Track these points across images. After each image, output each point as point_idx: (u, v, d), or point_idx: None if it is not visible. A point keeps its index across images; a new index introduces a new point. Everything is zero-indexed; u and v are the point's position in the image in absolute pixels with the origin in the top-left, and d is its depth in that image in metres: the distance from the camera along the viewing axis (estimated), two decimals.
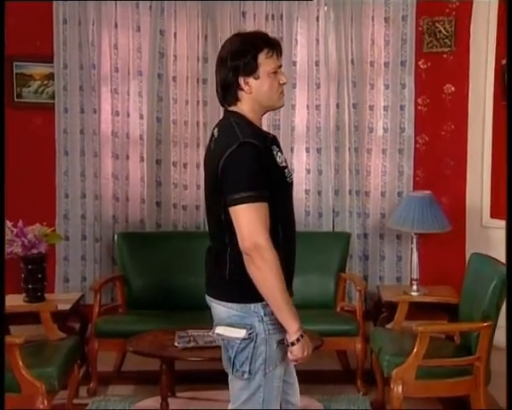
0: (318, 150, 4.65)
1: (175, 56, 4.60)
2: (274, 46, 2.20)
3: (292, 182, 2.25)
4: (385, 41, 4.56)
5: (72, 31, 4.54)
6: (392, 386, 3.19)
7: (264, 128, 4.48)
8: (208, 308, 4.02)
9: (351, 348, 3.90)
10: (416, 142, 4.63)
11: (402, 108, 4.58)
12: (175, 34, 4.58)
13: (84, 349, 3.92)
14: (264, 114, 2.26)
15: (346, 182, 4.67)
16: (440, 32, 4.49)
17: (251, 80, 2.16)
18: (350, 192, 4.67)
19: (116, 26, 4.58)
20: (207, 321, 3.67)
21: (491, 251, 4.25)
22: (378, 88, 4.62)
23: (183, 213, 4.72)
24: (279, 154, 2.21)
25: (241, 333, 2.16)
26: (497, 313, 3.22)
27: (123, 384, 3.95)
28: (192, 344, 3.39)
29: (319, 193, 4.69)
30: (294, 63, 4.58)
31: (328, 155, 4.66)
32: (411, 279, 4.25)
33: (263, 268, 2.07)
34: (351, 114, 4.59)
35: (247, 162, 2.09)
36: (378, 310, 4.22)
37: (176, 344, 3.40)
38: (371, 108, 4.63)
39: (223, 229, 2.17)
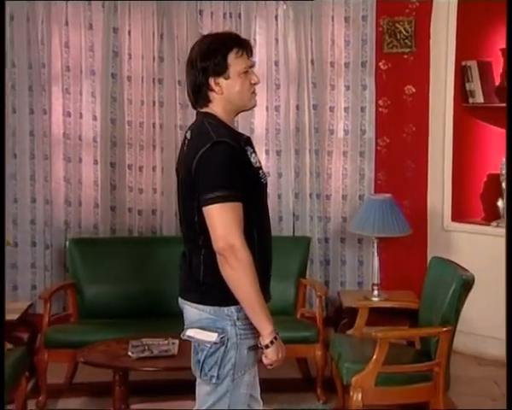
0: (278, 153, 4.69)
1: (129, 55, 4.59)
2: (244, 46, 2.23)
3: (266, 183, 2.28)
4: (345, 41, 4.62)
5: (20, 28, 4.49)
6: (351, 394, 3.23)
7: None
8: (164, 315, 4.09)
9: (311, 356, 3.94)
10: (376, 144, 4.71)
11: (363, 109, 4.66)
12: (129, 32, 4.57)
13: (33, 361, 3.87)
14: (237, 115, 2.29)
15: (306, 185, 4.72)
16: (400, 32, 4.58)
17: (221, 81, 2.19)
18: (310, 196, 4.72)
19: (67, 23, 4.55)
20: (163, 329, 3.75)
21: (452, 255, 4.37)
22: (338, 89, 4.68)
23: (138, 217, 4.71)
24: (253, 154, 2.24)
25: (212, 337, 2.19)
26: (456, 318, 3.30)
27: (74, 397, 3.92)
28: (146, 354, 3.39)
29: (279, 196, 4.73)
30: (253, 64, 4.60)
31: (288, 157, 4.70)
32: (372, 284, 4.32)
33: (237, 268, 2.10)
34: (311, 115, 4.64)
35: (220, 161, 2.12)
36: (339, 316, 4.27)
37: (129, 354, 3.39)
38: (332, 109, 4.69)
39: (196, 231, 2.20)
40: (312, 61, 4.60)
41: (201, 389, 2.27)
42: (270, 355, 2.17)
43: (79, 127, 4.62)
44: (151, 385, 3.84)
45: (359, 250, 4.74)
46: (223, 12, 4.56)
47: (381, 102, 4.68)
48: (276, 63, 4.62)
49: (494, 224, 4.40)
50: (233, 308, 2.18)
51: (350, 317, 4.04)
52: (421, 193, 4.69)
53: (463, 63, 4.43)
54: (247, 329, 2.19)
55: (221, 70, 2.19)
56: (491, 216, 4.50)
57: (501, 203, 4.39)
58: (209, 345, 2.19)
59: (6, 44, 4.45)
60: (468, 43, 4.41)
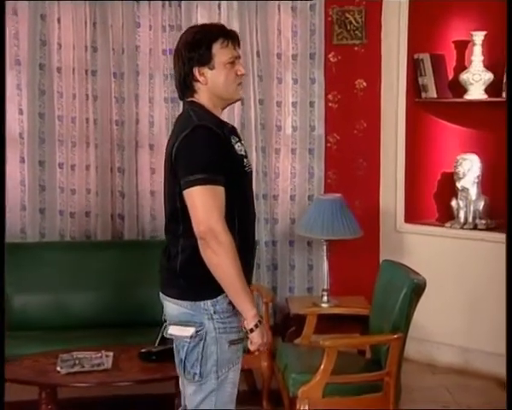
0: None
1: (59, 45, 4.52)
2: (230, 36, 2.35)
3: (251, 171, 2.41)
4: (292, 32, 4.63)
5: None
6: (298, 406, 3.25)
7: (162, 128, 4.59)
8: (98, 326, 4.04)
9: (256, 367, 3.94)
10: (326, 141, 4.74)
11: (311, 104, 4.68)
12: (59, 20, 4.50)
13: None
14: (225, 108, 2.40)
15: (253, 185, 4.71)
16: (351, 22, 4.62)
17: (206, 71, 2.31)
18: (257, 196, 4.70)
19: None
20: (96, 341, 3.70)
21: (405, 257, 4.43)
22: (286, 82, 4.69)
23: (70, 220, 4.64)
24: (238, 143, 2.34)
25: (189, 331, 2.29)
26: (407, 325, 3.34)
27: None
28: (77, 368, 3.34)
29: None
30: None
31: None
32: (322, 290, 4.35)
33: (218, 252, 2.19)
34: (257, 110, 4.64)
35: (201, 144, 2.22)
36: (286, 324, 4.28)
37: (58, 369, 3.33)
38: (279, 104, 4.70)
39: (178, 220, 2.29)
40: (258, 53, 4.61)
41: (187, 389, 2.37)
42: (256, 339, 2.27)
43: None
44: (82, 403, 3.78)
45: (309, 254, 4.77)
46: (162, 2, 4.52)
47: (330, 96, 4.71)
48: None
49: (448, 225, 4.49)
50: (209, 302, 2.28)
51: (298, 325, 4.05)
52: (372, 193, 4.74)
53: (416, 56, 4.50)
54: (226, 323, 2.30)
55: (206, 60, 2.30)
56: (445, 217, 4.58)
57: (454, 203, 4.48)
58: (188, 341, 2.29)
59: None
60: (420, 35, 4.48)
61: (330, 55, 4.67)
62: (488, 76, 4.32)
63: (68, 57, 4.54)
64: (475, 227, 4.40)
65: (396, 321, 3.33)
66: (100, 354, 3.45)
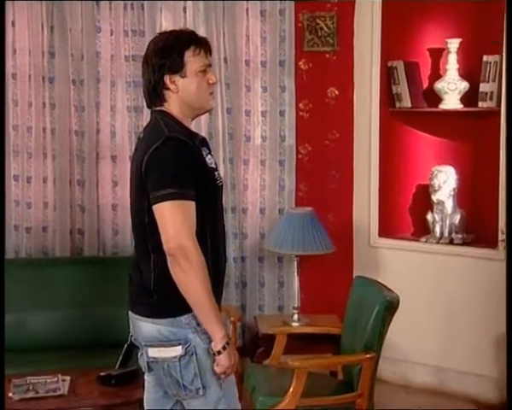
0: None
1: (14, 50, 4.49)
2: (202, 44, 2.40)
3: (222, 185, 2.44)
4: (261, 37, 4.65)
5: None
6: None
7: (125, 139, 4.58)
8: (56, 349, 3.99)
9: None
10: (297, 152, 4.77)
11: (282, 113, 4.71)
12: (13, 23, 4.47)
13: None
14: (195, 118, 2.45)
15: None
16: (322, 29, 4.67)
17: (177, 79, 2.35)
18: (225, 210, 4.67)
19: None
20: (53, 364, 3.67)
21: (379, 273, 4.48)
22: (255, 90, 4.71)
23: (26, 236, 4.60)
24: (209, 155, 2.38)
25: (177, 351, 2.30)
26: (380, 344, 3.37)
27: None
28: (31, 394, 3.31)
29: None
30: None
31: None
32: (292, 308, 4.36)
33: (188, 270, 2.21)
34: (224, 119, 4.65)
35: (172, 158, 2.24)
36: (255, 344, 4.29)
37: (10, 395, 3.30)
38: (247, 113, 4.72)
39: (146, 235, 2.32)
40: (225, 60, 4.62)
41: (192, 405, 2.39)
42: (223, 362, 2.30)
43: None
44: None
45: (279, 270, 4.78)
46: (123, 2, 4.52)
47: (301, 105, 4.75)
48: None
49: (423, 239, 4.54)
50: (190, 315, 2.30)
51: (267, 345, 4.06)
52: (346, 206, 4.78)
53: (389, 64, 4.57)
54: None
55: (177, 68, 2.35)
56: (420, 231, 4.63)
57: (430, 217, 4.53)
58: (177, 359, 2.31)
59: None
60: (394, 42, 4.54)
61: (301, 63, 4.71)
62: (464, 85, 4.39)
63: (24, 63, 4.50)
64: (451, 242, 4.45)
65: (368, 340, 3.36)
66: (56, 379, 3.43)
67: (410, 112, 4.61)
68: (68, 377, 3.44)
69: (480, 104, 4.29)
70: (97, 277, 4.29)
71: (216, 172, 2.39)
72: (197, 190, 2.26)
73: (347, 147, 4.76)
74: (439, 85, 4.43)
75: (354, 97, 4.71)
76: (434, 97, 4.50)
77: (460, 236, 4.45)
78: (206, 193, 2.31)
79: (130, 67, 4.52)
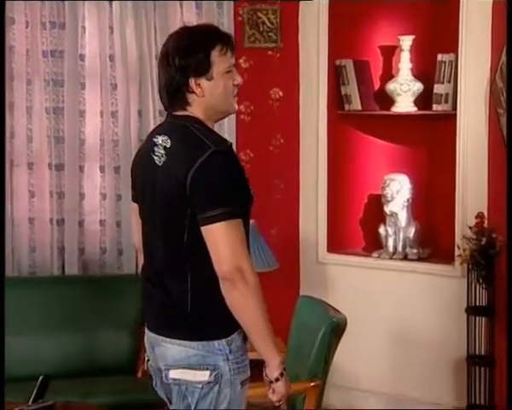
0: (116, 170, 4.66)
1: None
2: (227, 42, 2.42)
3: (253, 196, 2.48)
4: None
5: None
6: None
7: (44, 144, 4.52)
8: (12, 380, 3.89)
9: None
10: (239, 159, 4.76)
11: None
12: None
13: None
14: (217, 121, 2.48)
15: None
16: (264, 23, 4.70)
17: (203, 81, 2.37)
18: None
19: None
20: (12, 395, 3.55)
21: (328, 292, 4.51)
22: None
23: None
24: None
25: (204, 376, 2.35)
26: (325, 370, 3.37)
27: None
28: None
29: (118, 224, 4.70)
30: (82, 57, 4.56)
31: (128, 175, 4.52)
32: None
33: (246, 294, 2.28)
34: (156, 122, 4.57)
35: (221, 174, 2.29)
36: None
37: None
38: None
39: (183, 255, 2.36)
40: (157, 57, 4.59)
41: None
42: (280, 389, 2.40)
43: None
44: None
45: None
46: None
47: (242, 107, 4.74)
48: (112, 58, 4.58)
49: (375, 255, 4.58)
50: (224, 341, 2.37)
51: None
52: (291, 219, 4.80)
53: (337, 62, 4.61)
54: (240, 362, 2.40)
55: (204, 70, 2.36)
56: (372, 245, 4.68)
57: (383, 230, 4.58)
58: (200, 386, 2.35)
59: None
60: (342, 39, 4.59)
61: (241, 60, 4.71)
62: (417, 86, 4.45)
63: None
64: (405, 257, 4.51)
65: (313, 367, 3.36)
66: None
67: (360, 115, 4.67)
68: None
69: (435, 107, 4.36)
70: (10, 299, 4.19)
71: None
72: (244, 204, 2.35)
73: (293, 153, 4.79)
74: (391, 86, 4.49)
75: (300, 99, 4.74)
76: (386, 99, 4.56)
77: (415, 250, 4.50)
78: (246, 207, 2.38)
79: (49, 63, 4.48)
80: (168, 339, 2.41)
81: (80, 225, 4.63)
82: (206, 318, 2.37)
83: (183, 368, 2.38)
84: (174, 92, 2.40)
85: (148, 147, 2.45)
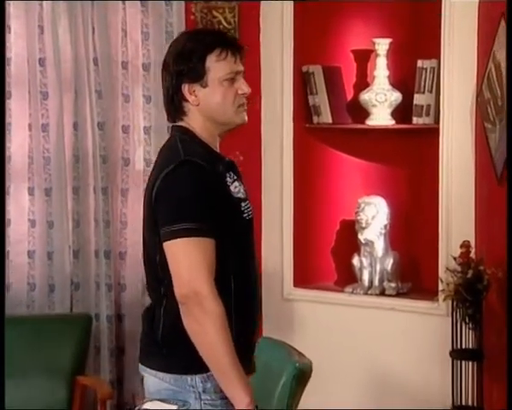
0: (47, 192, 4.67)
1: None
2: (230, 45, 2.47)
3: (252, 218, 2.54)
4: (143, 33, 4.71)
5: None
6: None
7: None
8: None
9: None
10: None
11: (168, 128, 4.70)
12: None
13: None
14: (224, 135, 2.56)
15: (90, 239, 4.73)
16: (220, 23, 4.73)
17: (197, 89, 2.46)
18: (96, 253, 4.71)
19: None
20: None
21: (294, 332, 4.53)
22: (135, 101, 4.76)
23: None
24: (236, 183, 2.49)
25: (170, 407, 2.41)
26: None
27: None
28: None
29: (49, 256, 4.70)
30: (7, 61, 4.56)
31: (62, 198, 4.68)
32: None
33: (203, 322, 2.32)
34: (95, 137, 4.67)
35: (186, 185, 2.35)
36: None
37: None
38: (126, 129, 4.76)
39: (158, 276, 2.45)
40: (95, 61, 4.65)
41: None
42: None
43: None
44: None
45: None
46: None
47: None
48: (42, 62, 4.61)
49: (349, 289, 4.60)
50: (197, 378, 2.41)
51: None
52: None
53: (305, 68, 4.65)
54: (217, 406, 2.43)
55: (197, 75, 2.45)
56: (345, 279, 4.70)
57: (357, 261, 4.60)
58: None
59: None
60: (310, 43, 4.63)
61: None
62: (395, 96, 4.51)
63: None
64: (383, 292, 4.53)
65: None
66: None
67: (330, 128, 4.70)
68: None
69: (415, 120, 4.41)
70: None
71: (243, 203, 2.49)
72: (218, 225, 2.36)
73: (254, 173, 4.77)
74: (365, 96, 4.54)
75: (262, 110, 4.76)
76: (360, 111, 4.60)
77: (393, 285, 4.53)
78: (229, 228, 2.41)
79: None
80: (147, 369, 2.52)
81: (5, 257, 4.60)
82: (178, 349, 2.42)
83: (156, 400, 2.45)
84: (171, 100, 2.51)
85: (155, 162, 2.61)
